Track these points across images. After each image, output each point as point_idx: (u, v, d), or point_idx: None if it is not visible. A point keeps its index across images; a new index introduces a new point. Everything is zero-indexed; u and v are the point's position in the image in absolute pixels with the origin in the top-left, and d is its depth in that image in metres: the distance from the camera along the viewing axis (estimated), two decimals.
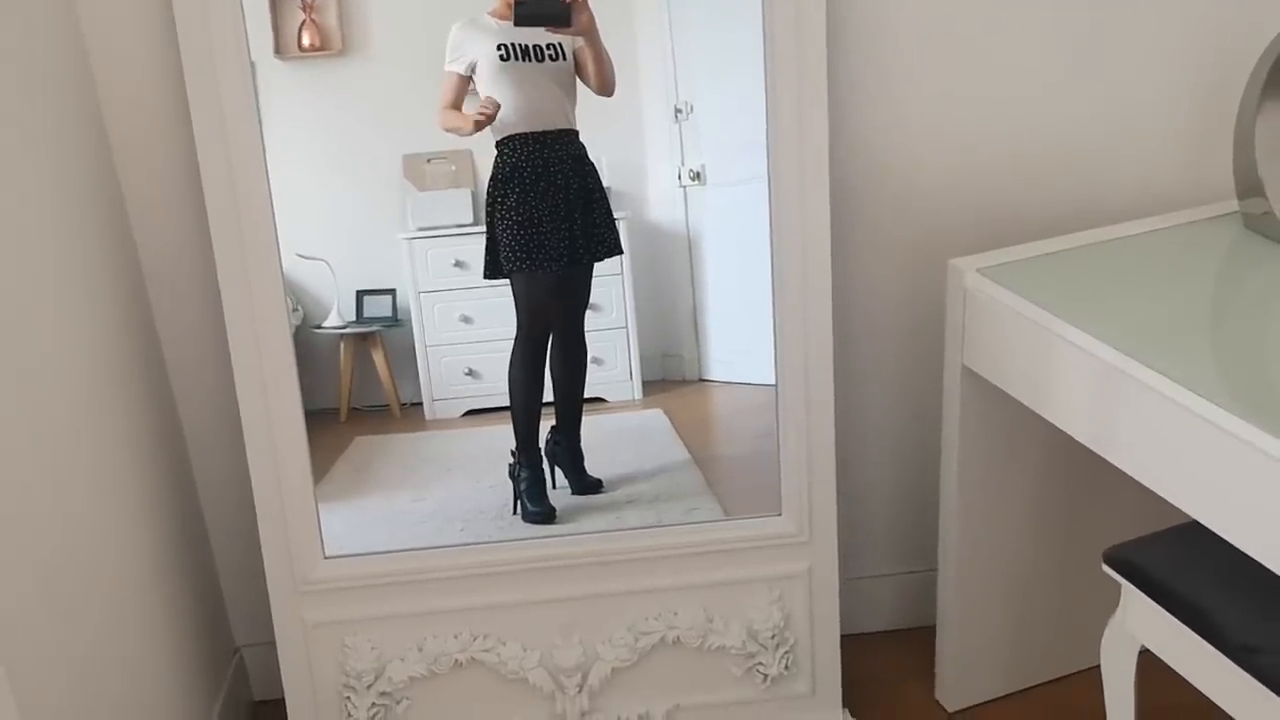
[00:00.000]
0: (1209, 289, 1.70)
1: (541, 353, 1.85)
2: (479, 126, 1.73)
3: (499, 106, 1.73)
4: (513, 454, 1.87)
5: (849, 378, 1.98)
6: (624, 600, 1.85)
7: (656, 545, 1.83)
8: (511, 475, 1.87)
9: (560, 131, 1.75)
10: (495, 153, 1.76)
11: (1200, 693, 1.49)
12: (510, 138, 1.75)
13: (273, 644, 1.85)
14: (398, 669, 1.85)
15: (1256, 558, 1.32)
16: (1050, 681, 2.06)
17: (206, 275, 1.75)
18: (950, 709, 2.02)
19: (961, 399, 1.79)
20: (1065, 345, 1.56)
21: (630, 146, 1.83)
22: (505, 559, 1.82)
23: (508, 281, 1.81)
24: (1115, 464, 1.52)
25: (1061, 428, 1.61)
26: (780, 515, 1.85)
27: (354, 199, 1.81)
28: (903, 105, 1.87)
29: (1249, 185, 1.76)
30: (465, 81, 1.73)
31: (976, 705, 2.03)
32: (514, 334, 1.83)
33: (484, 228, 1.79)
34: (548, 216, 1.77)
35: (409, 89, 1.76)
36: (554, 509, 1.86)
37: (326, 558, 1.81)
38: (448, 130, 1.75)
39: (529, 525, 1.85)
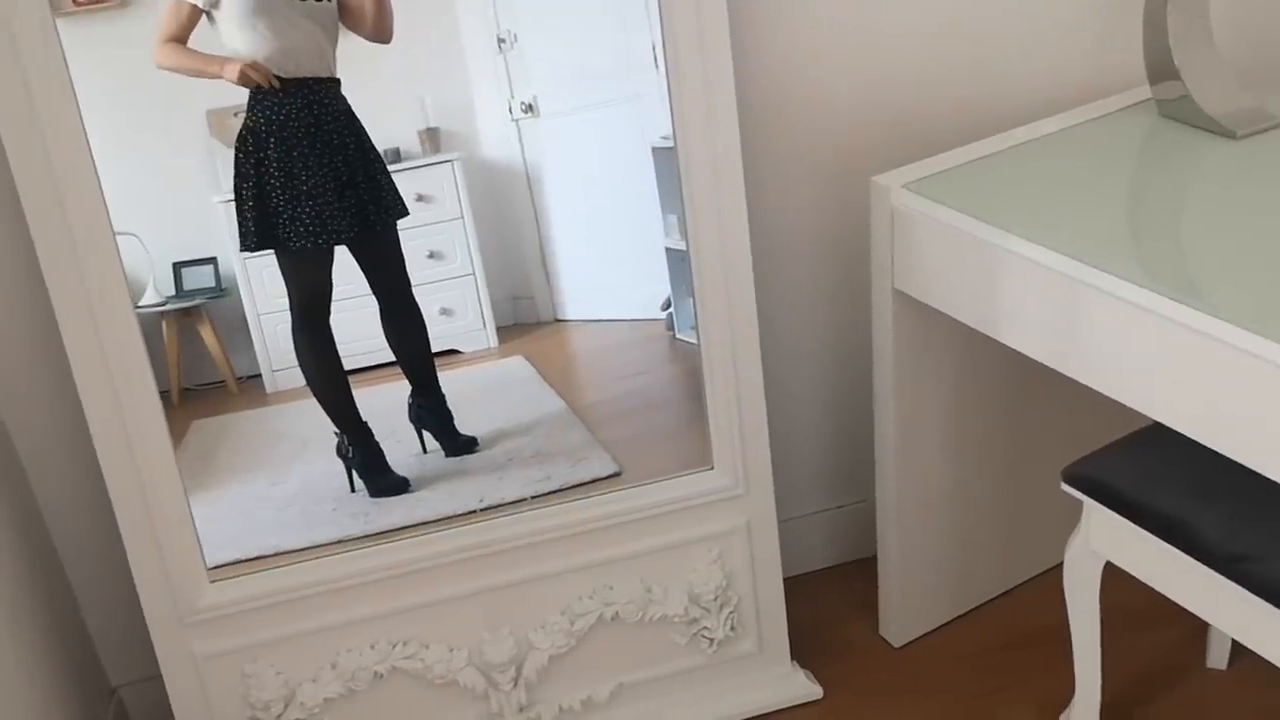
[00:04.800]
0: (1139, 181, 1.63)
1: (328, 329, 1.66)
2: (244, 80, 1.52)
3: (277, 83, 1.52)
4: (336, 434, 1.69)
5: (771, 312, 1.87)
6: (553, 582, 1.71)
7: (581, 519, 1.69)
8: (340, 454, 1.69)
9: (324, 80, 1.56)
10: (246, 107, 1.54)
11: (1157, 593, 1.44)
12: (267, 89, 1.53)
13: (155, 679, 1.67)
14: (310, 692, 1.66)
15: (1232, 457, 1.25)
16: (996, 598, 2.00)
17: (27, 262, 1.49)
18: (896, 644, 1.95)
19: (894, 323, 1.68)
20: (1010, 257, 1.45)
21: (454, 82, 1.69)
22: (416, 556, 1.65)
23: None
24: (1072, 376, 1.43)
25: (1010, 345, 1.51)
26: (712, 469, 1.72)
27: (159, 163, 1.63)
28: (800, 19, 1.74)
29: (1162, 69, 1.68)
30: (196, 14, 1.50)
31: (923, 636, 1.96)
32: (290, 309, 1.63)
33: None
34: (332, 181, 1.58)
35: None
36: (405, 479, 1.71)
37: (213, 582, 1.59)
38: (169, 69, 1.51)
39: (391, 501, 1.69)
